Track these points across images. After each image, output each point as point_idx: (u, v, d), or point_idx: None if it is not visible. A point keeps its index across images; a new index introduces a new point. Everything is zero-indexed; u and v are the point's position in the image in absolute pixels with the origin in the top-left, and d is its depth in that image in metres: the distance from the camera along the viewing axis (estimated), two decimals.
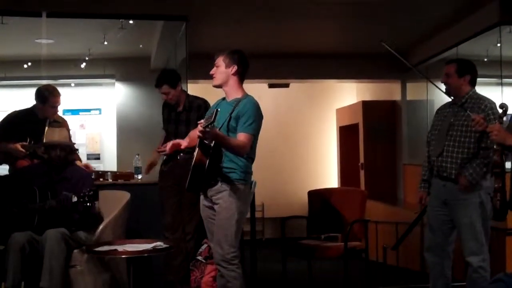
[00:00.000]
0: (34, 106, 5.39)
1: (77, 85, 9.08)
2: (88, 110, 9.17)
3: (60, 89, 5.43)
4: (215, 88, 4.12)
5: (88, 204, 4.32)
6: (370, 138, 10.26)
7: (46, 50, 7.54)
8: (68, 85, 8.87)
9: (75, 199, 4.30)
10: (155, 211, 5.33)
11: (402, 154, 9.78)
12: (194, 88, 6.69)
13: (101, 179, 5.91)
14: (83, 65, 8.63)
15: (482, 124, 3.82)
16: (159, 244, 4.14)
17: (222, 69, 3.99)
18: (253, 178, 4.15)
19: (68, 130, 5.41)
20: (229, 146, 3.81)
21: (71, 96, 8.39)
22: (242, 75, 4.04)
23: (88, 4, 6.43)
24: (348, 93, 11.86)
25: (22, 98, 6.53)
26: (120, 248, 4.04)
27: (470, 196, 4.18)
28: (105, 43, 7.72)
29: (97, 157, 8.92)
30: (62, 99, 5.42)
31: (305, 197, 5.83)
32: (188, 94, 5.41)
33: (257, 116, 3.93)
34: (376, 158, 10.15)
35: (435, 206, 4.42)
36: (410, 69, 9.44)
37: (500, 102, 3.93)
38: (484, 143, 4.17)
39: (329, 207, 5.56)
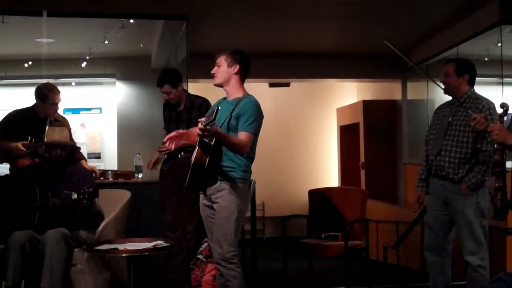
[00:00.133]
0: (34, 105, 5.40)
1: (77, 84, 9.08)
2: (89, 109, 9.17)
3: (60, 88, 5.44)
4: (215, 87, 4.12)
5: (87, 201, 4.32)
6: (370, 138, 10.27)
7: (46, 49, 7.55)
8: (69, 84, 8.87)
9: (75, 196, 4.31)
10: (155, 210, 5.33)
11: (403, 153, 9.79)
12: (195, 88, 6.69)
13: (101, 178, 5.92)
14: (83, 64, 8.63)
15: (483, 123, 3.81)
16: (160, 243, 4.15)
17: (223, 68, 3.99)
18: (254, 177, 4.15)
19: (69, 129, 5.42)
20: (229, 144, 3.82)
21: (71, 95, 8.40)
22: (243, 75, 4.05)
23: (88, 4, 6.44)
24: (349, 93, 11.86)
25: (23, 97, 6.53)
26: (120, 247, 4.04)
27: (467, 195, 4.19)
28: (106, 42, 7.73)
29: (97, 156, 8.93)
30: (62, 98, 5.43)
31: (306, 196, 5.83)
32: (189, 94, 5.42)
33: (257, 115, 3.94)
34: (377, 157, 10.16)
35: (435, 206, 4.42)
36: (410, 69, 9.46)
37: (501, 102, 3.93)
38: (480, 143, 4.18)
39: (330, 206, 5.56)
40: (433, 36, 8.21)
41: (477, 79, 4.54)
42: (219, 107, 3.84)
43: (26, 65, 8.44)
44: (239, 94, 4.01)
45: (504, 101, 3.91)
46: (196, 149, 3.85)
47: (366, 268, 5.43)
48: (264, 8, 7.02)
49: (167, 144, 4.15)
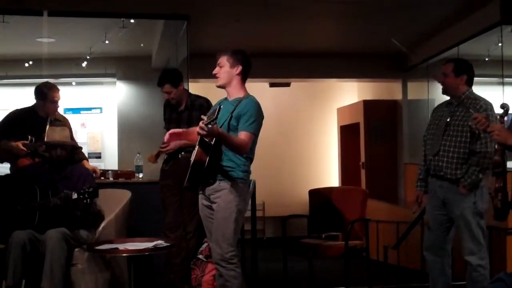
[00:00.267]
0: (35, 105, 5.40)
1: (78, 84, 9.08)
2: (89, 109, 9.18)
3: (61, 88, 5.44)
4: (216, 87, 4.11)
5: (88, 201, 4.32)
6: (371, 137, 10.28)
7: (47, 49, 7.56)
8: (69, 84, 8.88)
9: (75, 196, 4.31)
10: (156, 210, 5.33)
11: (403, 153, 9.80)
12: (195, 88, 6.69)
13: (102, 178, 5.92)
14: (84, 64, 8.63)
15: (484, 123, 3.81)
16: (160, 242, 4.14)
17: (226, 69, 3.98)
18: (254, 177, 4.14)
19: (70, 128, 5.41)
20: (230, 143, 3.81)
21: (72, 95, 8.41)
22: (245, 75, 4.04)
23: (89, 3, 6.44)
24: (349, 93, 11.87)
25: (23, 97, 6.52)
26: (121, 246, 4.04)
27: (465, 196, 4.20)
28: (106, 42, 7.73)
29: (98, 155, 8.93)
30: (63, 98, 5.43)
31: (306, 196, 5.83)
32: (190, 93, 5.41)
33: (258, 115, 3.93)
34: (377, 157, 10.16)
35: (433, 206, 4.43)
36: (410, 69, 9.47)
37: (501, 102, 3.92)
38: (474, 144, 4.19)
39: (330, 206, 5.56)
40: (433, 36, 8.22)
41: (478, 79, 4.54)
42: (221, 106, 3.83)
43: (26, 64, 8.45)
44: (240, 94, 4.01)
45: (505, 102, 3.91)
46: (196, 148, 3.84)
47: (367, 268, 5.43)
48: (264, 8, 7.02)
49: (166, 140, 4.15)
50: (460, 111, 4.30)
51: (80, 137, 8.47)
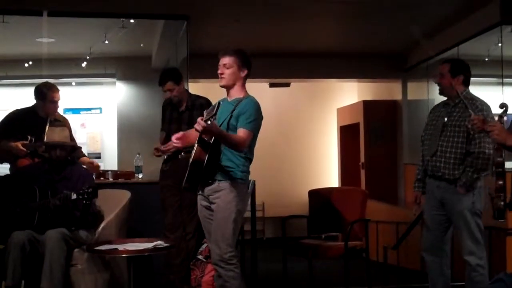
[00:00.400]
0: (34, 105, 5.39)
1: (78, 84, 9.09)
2: (89, 109, 9.18)
3: (61, 88, 5.44)
4: (215, 87, 4.11)
5: (87, 201, 4.32)
6: (370, 138, 10.28)
7: (47, 49, 7.56)
8: (69, 84, 8.88)
9: (74, 196, 4.31)
10: (155, 210, 5.33)
11: (403, 153, 9.80)
12: (195, 88, 6.69)
13: (101, 178, 5.92)
14: (84, 64, 8.64)
15: (479, 126, 3.82)
16: (160, 243, 4.14)
17: (234, 70, 3.96)
18: (254, 177, 4.14)
19: (70, 129, 5.41)
20: (228, 140, 3.80)
21: (72, 95, 8.41)
22: (247, 77, 4.05)
23: (89, 3, 6.44)
24: (349, 93, 11.87)
25: (23, 97, 6.52)
26: (120, 247, 4.03)
27: (463, 196, 4.20)
28: (106, 42, 7.73)
29: (98, 156, 8.92)
30: (63, 98, 5.43)
31: (306, 197, 5.83)
32: (190, 93, 5.41)
33: (257, 115, 3.93)
34: (377, 157, 10.16)
35: (431, 206, 4.43)
36: (410, 69, 9.47)
37: (501, 102, 3.92)
38: (468, 144, 4.19)
39: (330, 206, 5.56)
40: (433, 36, 8.22)
41: (477, 79, 4.54)
42: (220, 103, 3.81)
43: (26, 65, 8.45)
44: (241, 95, 4.01)
45: (504, 101, 3.90)
46: (195, 147, 3.84)
47: (366, 268, 5.43)
48: (264, 8, 7.02)
49: (175, 141, 4.10)
50: (457, 112, 4.30)
51: (80, 137, 8.46)
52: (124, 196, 5.02)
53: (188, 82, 6.45)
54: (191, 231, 5.20)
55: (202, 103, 5.21)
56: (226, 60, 3.96)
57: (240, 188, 3.90)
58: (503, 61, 7.05)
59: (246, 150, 3.91)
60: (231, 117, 3.90)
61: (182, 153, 5.06)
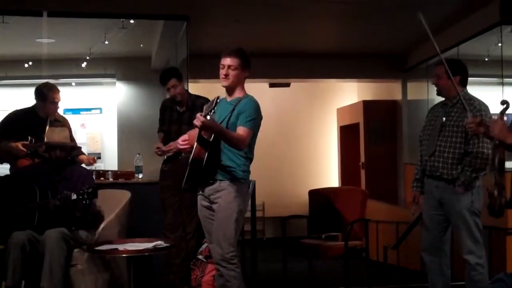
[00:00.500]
0: (34, 106, 5.40)
1: (78, 84, 9.09)
2: (89, 110, 9.18)
3: (61, 89, 5.44)
4: (215, 87, 4.11)
5: (87, 201, 4.32)
6: (370, 138, 10.28)
7: (47, 50, 7.56)
8: (69, 84, 8.89)
9: (74, 196, 4.31)
10: (155, 210, 5.33)
11: (403, 153, 9.80)
12: (195, 88, 6.69)
13: (102, 178, 5.92)
14: (84, 65, 8.64)
15: (475, 130, 3.84)
16: (160, 243, 4.14)
17: (238, 72, 3.96)
18: (254, 177, 4.14)
19: (70, 129, 5.41)
20: (228, 138, 3.81)
21: (72, 96, 8.41)
22: (246, 77, 4.06)
23: (89, 4, 6.44)
24: (349, 93, 11.87)
25: (23, 97, 6.52)
26: (120, 247, 4.04)
27: (462, 195, 4.20)
28: (106, 42, 7.74)
29: (98, 156, 8.89)
30: (63, 98, 5.43)
31: (306, 197, 5.83)
32: (190, 93, 5.42)
33: (257, 114, 3.94)
34: (377, 157, 10.17)
35: (429, 206, 4.44)
36: (410, 69, 9.48)
37: (502, 99, 3.90)
38: (467, 144, 4.19)
39: (330, 206, 5.56)
40: (433, 35, 8.20)
41: (477, 79, 4.55)
42: (220, 97, 3.81)
43: (26, 65, 8.45)
44: (240, 95, 4.01)
45: (505, 99, 3.89)
46: (195, 145, 3.84)
47: (366, 268, 5.43)
48: (264, 8, 7.02)
49: (181, 143, 4.09)
50: (455, 112, 4.30)
51: (80, 138, 8.47)
52: (124, 196, 5.02)
53: (188, 82, 6.45)
54: (191, 231, 5.20)
55: (202, 103, 5.18)
56: (231, 61, 3.94)
57: (242, 187, 3.91)
58: (503, 61, 7.05)
59: (247, 149, 3.91)
60: (230, 116, 3.91)
61: (183, 154, 5.06)
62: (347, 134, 11.43)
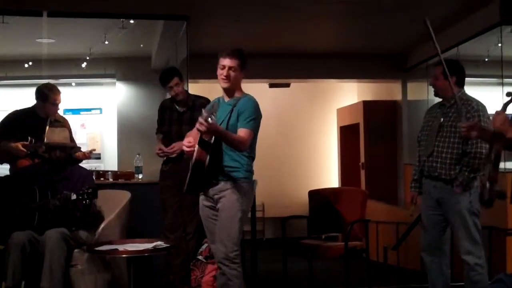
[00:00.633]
0: (34, 106, 5.39)
1: (78, 84, 9.09)
2: (89, 110, 9.18)
3: (61, 89, 5.43)
4: (215, 87, 4.11)
5: (86, 201, 4.32)
6: (370, 138, 10.28)
7: (47, 50, 7.56)
8: (69, 84, 8.89)
9: (74, 196, 4.31)
10: (155, 211, 5.33)
11: (403, 153, 9.80)
12: (195, 88, 6.69)
13: (101, 179, 5.92)
14: (84, 65, 8.64)
15: (468, 135, 3.85)
16: (160, 243, 4.14)
17: (237, 73, 3.96)
18: (253, 177, 4.14)
19: (70, 129, 5.41)
20: (229, 140, 3.81)
21: (72, 96, 8.40)
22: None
23: (89, 4, 6.44)
24: (349, 93, 11.87)
25: (23, 97, 6.52)
26: (120, 247, 4.04)
27: (461, 196, 4.20)
28: (106, 42, 7.73)
29: (97, 156, 8.92)
30: (63, 98, 5.42)
31: (306, 197, 5.83)
32: (190, 94, 5.41)
33: (257, 114, 3.95)
34: (377, 158, 10.17)
35: (428, 206, 4.44)
36: (410, 69, 9.47)
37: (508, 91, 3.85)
38: (465, 145, 4.19)
39: (330, 207, 5.56)
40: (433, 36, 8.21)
41: (477, 79, 4.54)
42: (220, 100, 3.79)
43: (26, 65, 8.45)
44: (238, 94, 4.02)
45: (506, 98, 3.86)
46: (196, 148, 3.84)
47: (366, 269, 5.43)
48: (264, 8, 7.02)
49: (187, 144, 4.07)
50: (453, 112, 4.31)
51: (80, 138, 8.47)
52: (124, 196, 5.02)
53: (188, 83, 6.45)
54: (191, 231, 5.20)
55: (202, 103, 5.19)
56: (231, 62, 3.93)
57: (245, 187, 3.92)
58: (503, 61, 7.04)
59: (248, 149, 3.92)
60: (230, 117, 3.91)
61: (184, 155, 5.05)
62: (347, 134, 11.43)
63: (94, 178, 5.35)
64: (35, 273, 4.23)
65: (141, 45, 8.48)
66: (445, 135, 4.31)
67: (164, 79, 5.19)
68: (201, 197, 4.03)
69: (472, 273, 4.20)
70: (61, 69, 8.40)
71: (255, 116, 3.92)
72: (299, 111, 12.01)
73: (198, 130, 3.69)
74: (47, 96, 5.29)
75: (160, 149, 5.21)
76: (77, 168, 4.93)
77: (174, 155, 5.15)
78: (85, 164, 5.67)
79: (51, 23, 6.66)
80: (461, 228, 4.23)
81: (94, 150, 5.85)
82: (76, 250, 4.44)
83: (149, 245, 4.09)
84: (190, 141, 3.96)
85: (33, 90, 5.40)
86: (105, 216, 4.78)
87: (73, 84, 9.04)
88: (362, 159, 10.47)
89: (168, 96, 5.41)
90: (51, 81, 5.76)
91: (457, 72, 4.39)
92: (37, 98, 5.35)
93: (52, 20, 6.58)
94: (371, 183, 10.05)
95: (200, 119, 3.63)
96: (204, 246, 5.15)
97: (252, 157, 3.99)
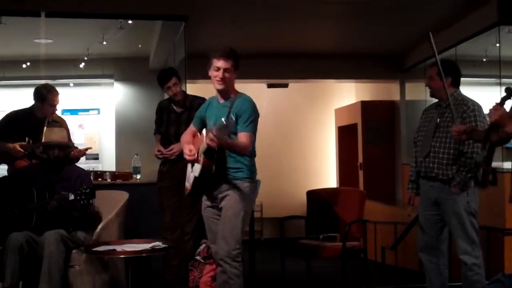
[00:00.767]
0: (32, 106, 5.38)
1: (75, 85, 9.08)
2: (87, 110, 9.17)
3: (58, 89, 5.42)
4: (214, 88, 4.10)
5: (84, 202, 4.31)
6: (368, 138, 10.28)
7: (44, 50, 7.54)
8: (67, 85, 8.88)
9: (72, 197, 4.30)
10: (153, 211, 5.33)
11: (401, 154, 9.79)
12: (193, 88, 6.69)
13: (99, 179, 5.91)
14: (82, 65, 8.64)
15: (458, 138, 3.87)
16: (158, 244, 4.14)
17: (232, 74, 3.97)
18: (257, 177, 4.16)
19: (68, 130, 5.40)
20: (235, 149, 3.85)
21: (69, 96, 8.39)
22: None
23: (87, 4, 6.43)
24: (347, 93, 11.87)
25: (21, 98, 6.52)
26: (118, 248, 4.04)
27: (458, 196, 4.21)
28: (104, 43, 7.73)
29: (95, 157, 8.92)
30: (61, 99, 5.42)
31: (304, 197, 5.83)
32: (187, 94, 5.41)
33: (255, 115, 3.97)
34: (375, 158, 10.16)
35: (425, 207, 4.45)
36: (408, 69, 9.47)
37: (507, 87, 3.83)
38: (462, 145, 4.20)
39: (328, 207, 5.56)
40: (432, 36, 8.21)
41: (476, 79, 4.55)
42: (233, 118, 3.76)
43: (24, 66, 8.44)
44: (233, 94, 4.03)
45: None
46: (202, 158, 3.84)
47: (364, 269, 5.43)
48: (262, 9, 7.02)
49: (189, 154, 4.07)
50: (449, 113, 4.31)
51: (78, 138, 8.47)
52: (122, 197, 5.02)
53: (186, 83, 6.45)
54: (189, 232, 5.20)
55: (200, 103, 5.18)
56: (226, 64, 3.93)
57: (249, 187, 3.95)
58: (501, 61, 7.04)
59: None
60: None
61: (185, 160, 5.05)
62: (345, 134, 11.43)
63: (92, 178, 5.34)
64: (33, 274, 4.22)
65: (139, 46, 8.48)
66: (441, 135, 4.32)
67: (162, 79, 5.19)
68: (204, 198, 4.05)
69: (469, 273, 4.21)
70: (59, 69, 8.39)
71: (253, 118, 3.94)
72: (297, 111, 12.01)
73: (210, 146, 3.69)
74: (45, 97, 5.28)
75: (159, 151, 5.21)
76: (75, 169, 4.93)
77: (173, 157, 5.15)
78: (83, 165, 5.68)
79: (49, 23, 6.65)
80: (459, 228, 4.23)
81: (90, 148, 5.84)
82: (74, 251, 4.43)
83: (147, 246, 4.09)
84: (191, 149, 3.96)
85: (31, 91, 5.39)
86: (103, 216, 4.78)
87: (71, 84, 9.03)
88: (360, 159, 10.46)
89: (166, 96, 5.41)
90: (49, 82, 5.76)
91: (452, 73, 4.40)
92: (35, 98, 5.35)
93: (50, 21, 6.57)
94: (369, 183, 10.05)
95: (211, 135, 3.62)
96: (202, 247, 5.15)
97: (253, 155, 4.02)
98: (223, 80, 3.94)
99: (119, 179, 5.91)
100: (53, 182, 4.64)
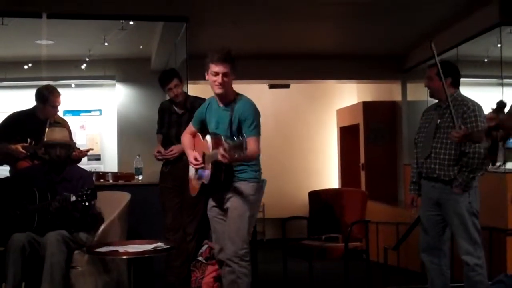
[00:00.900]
0: (34, 107, 5.39)
1: (77, 86, 9.08)
2: (89, 111, 9.17)
3: (60, 90, 5.43)
4: (211, 89, 4.11)
5: (86, 203, 4.31)
6: (370, 139, 10.27)
7: (46, 51, 7.54)
8: (69, 86, 8.88)
9: (73, 198, 4.30)
10: (155, 212, 5.33)
11: (403, 154, 9.79)
12: (194, 89, 6.69)
13: (101, 180, 5.91)
14: (83, 66, 8.64)
15: (459, 141, 3.86)
16: (160, 245, 4.14)
17: (230, 77, 3.97)
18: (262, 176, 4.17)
19: (69, 131, 5.40)
20: (246, 159, 3.85)
21: (71, 97, 8.40)
22: None
23: (88, 5, 6.44)
24: (349, 94, 11.87)
25: (23, 99, 6.52)
26: (120, 249, 4.04)
27: (460, 196, 4.21)
28: (106, 44, 7.73)
29: (97, 158, 8.92)
30: (62, 100, 5.42)
31: (306, 198, 5.83)
32: (188, 95, 5.41)
33: (258, 118, 4.00)
34: (377, 158, 10.16)
35: (426, 207, 4.45)
36: (410, 70, 9.47)
37: (499, 100, 3.82)
38: (463, 145, 4.20)
39: (330, 207, 5.57)
40: (432, 36, 8.21)
41: (477, 80, 4.54)
42: (246, 137, 3.65)
43: (26, 67, 8.44)
44: (232, 96, 4.04)
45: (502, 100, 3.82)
46: (211, 170, 3.86)
47: (367, 269, 5.44)
48: (264, 9, 7.02)
49: (195, 162, 4.06)
50: (449, 113, 4.31)
51: (80, 139, 8.45)
52: (124, 198, 5.02)
53: (187, 84, 6.45)
54: (191, 232, 5.20)
55: (201, 104, 5.20)
56: (224, 68, 3.93)
57: (255, 187, 3.98)
58: (502, 62, 7.04)
59: None
60: (231, 123, 3.93)
61: (184, 157, 5.05)
62: (347, 135, 11.43)
63: (94, 179, 5.34)
64: (35, 275, 4.23)
65: (141, 47, 8.48)
66: (442, 136, 4.32)
67: (163, 80, 5.19)
68: (209, 198, 4.07)
69: (471, 274, 4.20)
70: (60, 70, 8.39)
71: (257, 121, 3.98)
72: (299, 112, 12.01)
73: (221, 162, 3.69)
74: (47, 98, 5.29)
75: (158, 152, 5.21)
76: (76, 169, 4.93)
77: (172, 158, 5.15)
78: (85, 166, 5.69)
79: (50, 24, 6.65)
80: (461, 228, 4.23)
81: (92, 149, 5.85)
82: (76, 252, 4.43)
83: (149, 247, 4.09)
84: (196, 158, 3.98)
85: (32, 92, 5.40)
86: (105, 217, 4.78)
87: (73, 85, 9.04)
88: (362, 160, 10.46)
89: (167, 97, 5.41)
90: (51, 83, 5.76)
91: (452, 73, 4.39)
92: (37, 100, 5.35)
93: (52, 22, 6.57)
94: (371, 183, 10.05)
95: (223, 152, 3.60)
96: (204, 247, 5.15)
97: (258, 155, 4.04)
98: (222, 84, 3.94)
99: (121, 180, 5.91)
100: (55, 183, 4.65)
